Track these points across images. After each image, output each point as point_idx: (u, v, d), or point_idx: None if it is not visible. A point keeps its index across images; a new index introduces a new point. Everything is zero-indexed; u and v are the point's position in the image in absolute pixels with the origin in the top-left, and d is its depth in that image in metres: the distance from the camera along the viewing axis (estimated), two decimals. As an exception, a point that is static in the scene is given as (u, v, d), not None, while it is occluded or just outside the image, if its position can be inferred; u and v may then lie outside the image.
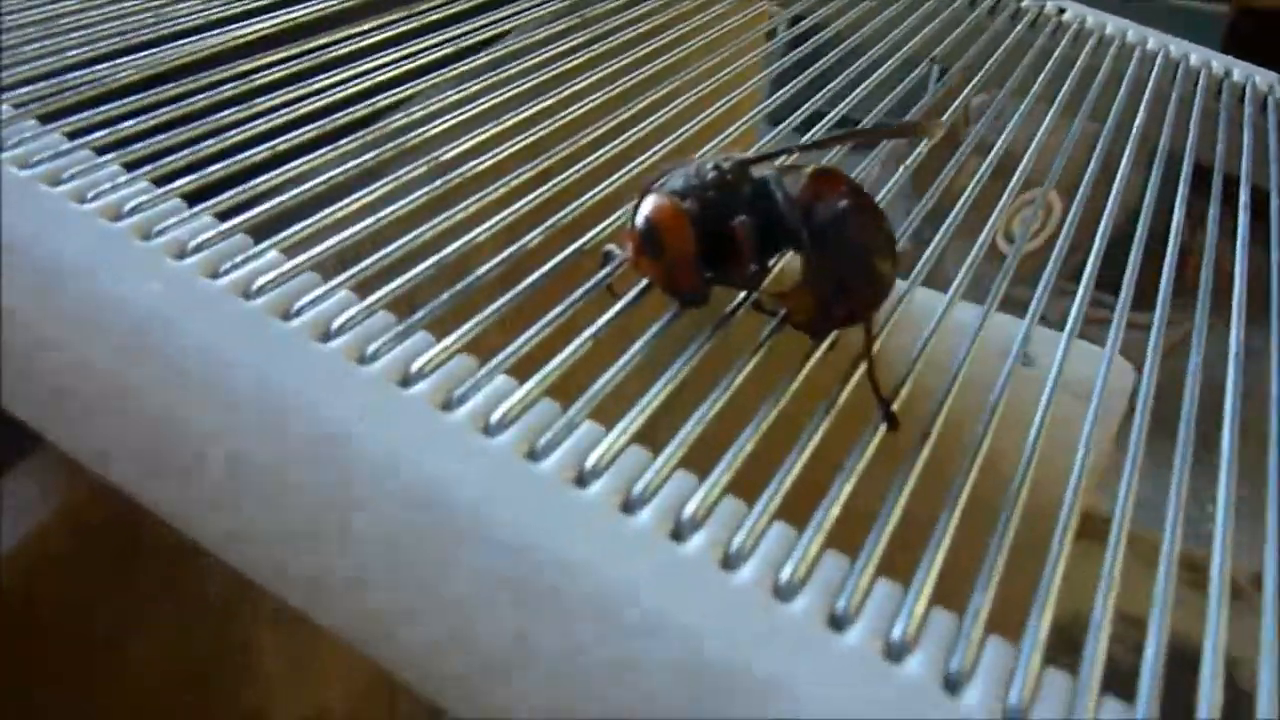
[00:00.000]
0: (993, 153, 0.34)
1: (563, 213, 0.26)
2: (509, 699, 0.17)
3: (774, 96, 0.37)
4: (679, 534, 0.18)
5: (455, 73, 0.32)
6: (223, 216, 0.23)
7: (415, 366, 0.20)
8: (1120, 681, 0.18)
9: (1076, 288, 0.29)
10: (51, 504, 0.23)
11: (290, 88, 0.29)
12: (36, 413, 0.22)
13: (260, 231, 0.23)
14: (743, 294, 0.24)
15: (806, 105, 0.35)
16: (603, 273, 0.24)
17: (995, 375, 0.24)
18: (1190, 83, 0.48)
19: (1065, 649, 0.20)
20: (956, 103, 0.38)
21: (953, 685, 0.16)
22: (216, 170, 0.25)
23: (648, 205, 0.22)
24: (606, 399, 0.20)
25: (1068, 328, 0.27)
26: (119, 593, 0.26)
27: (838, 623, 0.17)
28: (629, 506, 0.18)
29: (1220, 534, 0.21)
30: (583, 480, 0.19)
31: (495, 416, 0.19)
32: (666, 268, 0.22)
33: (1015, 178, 0.33)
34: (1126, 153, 0.38)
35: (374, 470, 0.18)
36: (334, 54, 0.31)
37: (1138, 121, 0.41)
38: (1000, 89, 0.41)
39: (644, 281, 0.24)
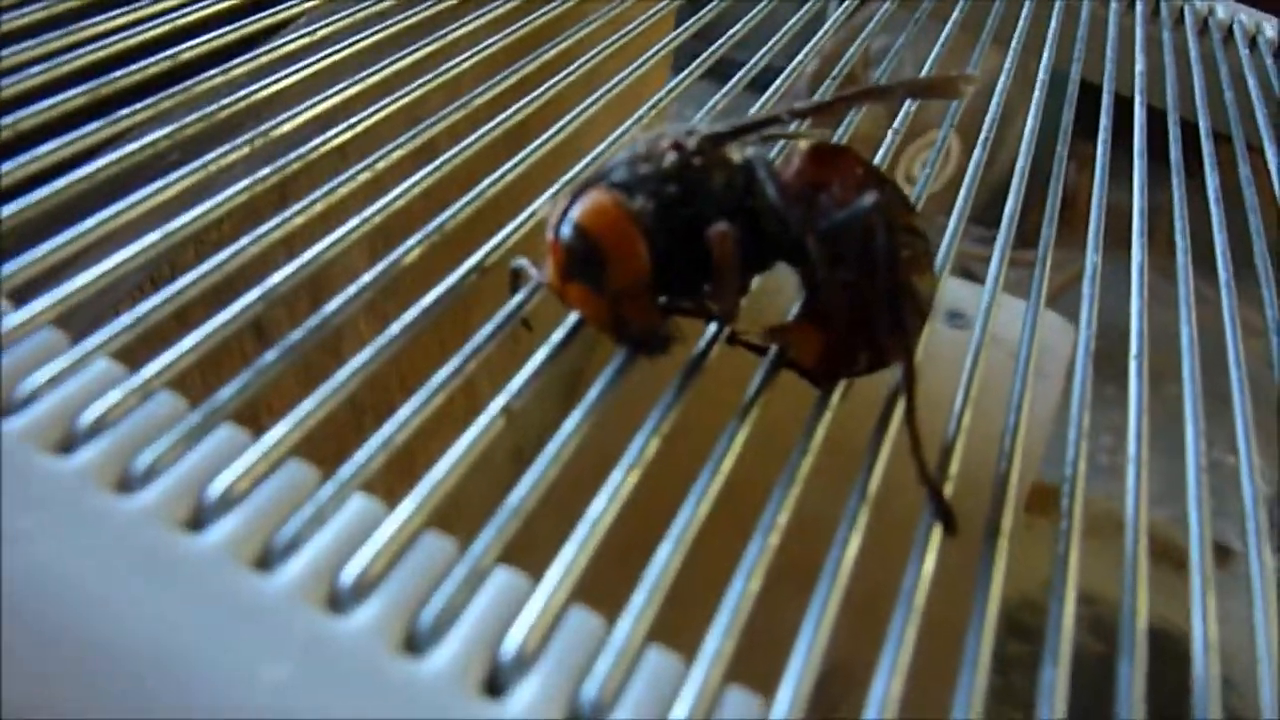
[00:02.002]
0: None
1: (450, 211, 0.18)
2: None
3: (677, 31, 0.29)
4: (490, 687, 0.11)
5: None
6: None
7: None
8: (1080, 668, 0.14)
9: (991, 234, 0.24)
10: None
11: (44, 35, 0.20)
12: None
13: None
14: (712, 328, 0.17)
15: (711, 50, 0.28)
16: (514, 301, 0.17)
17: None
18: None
19: (1017, 635, 0.20)
20: (859, 40, 0.32)
21: None
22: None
23: (581, 207, 0.15)
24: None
25: (989, 279, 0.21)
26: None
27: None
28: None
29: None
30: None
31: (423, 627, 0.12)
32: (610, 299, 0.15)
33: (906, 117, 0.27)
34: (1038, 85, 0.32)
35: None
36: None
37: (1046, 47, 0.35)
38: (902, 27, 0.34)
39: (573, 315, 0.16)
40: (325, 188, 0.18)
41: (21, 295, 0.14)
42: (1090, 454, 0.18)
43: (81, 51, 0.20)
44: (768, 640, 0.13)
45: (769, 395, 0.16)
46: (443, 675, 0.11)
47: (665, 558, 0.13)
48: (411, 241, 0.17)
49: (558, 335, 0.16)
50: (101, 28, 0.21)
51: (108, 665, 0.10)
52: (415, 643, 0.11)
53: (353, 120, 0.20)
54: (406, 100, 0.21)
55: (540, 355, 0.15)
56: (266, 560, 0.12)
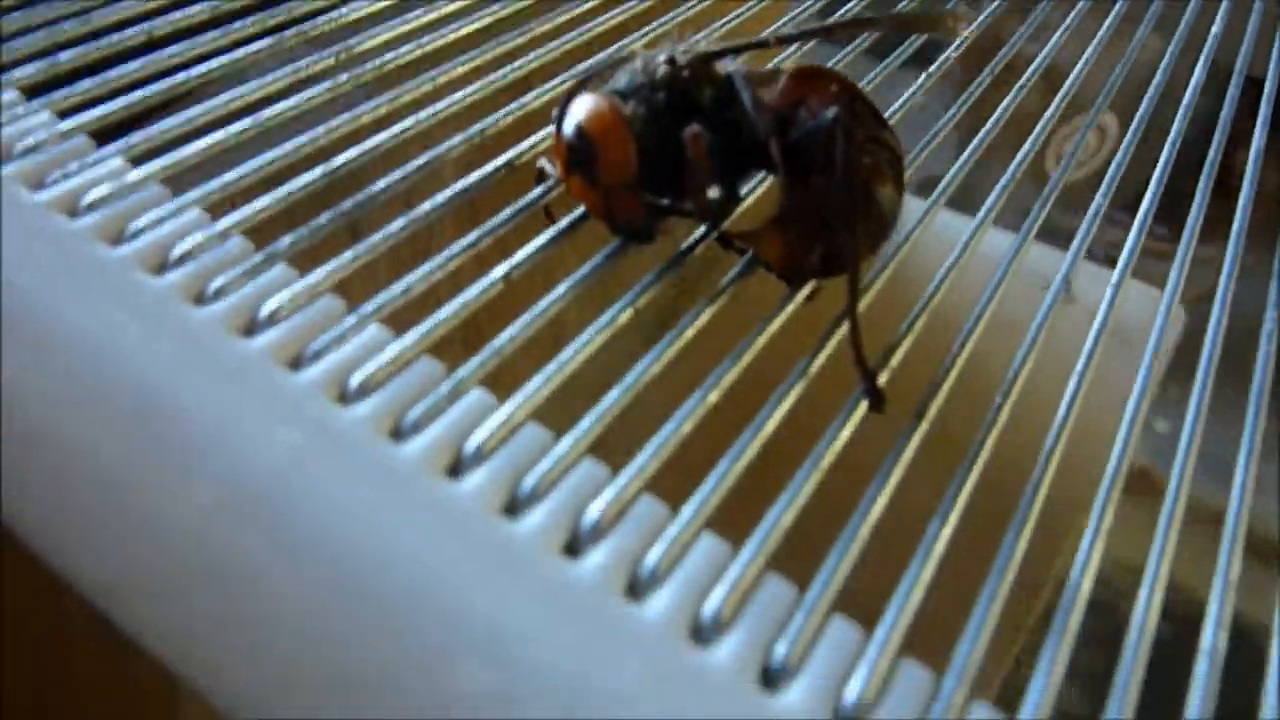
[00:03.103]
0: (1036, 62, 0.29)
1: (493, 117, 0.21)
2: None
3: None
4: (573, 547, 0.14)
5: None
6: (64, 115, 0.19)
7: (266, 310, 0.16)
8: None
9: (1131, 218, 0.25)
10: None
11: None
12: None
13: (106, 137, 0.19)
14: (703, 228, 0.19)
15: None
16: (535, 192, 0.20)
17: (1029, 312, 0.20)
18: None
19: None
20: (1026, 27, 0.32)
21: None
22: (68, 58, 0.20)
23: (579, 108, 0.17)
24: (508, 356, 0.16)
25: (1121, 261, 0.22)
26: None
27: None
28: (512, 507, 0.14)
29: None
30: (457, 469, 0.14)
31: (355, 380, 0.15)
32: (602, 191, 0.17)
33: (1062, 94, 0.28)
34: (1196, 70, 0.32)
35: (189, 450, 0.14)
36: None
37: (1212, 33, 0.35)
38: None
39: (581, 208, 0.19)
40: (387, 95, 0.21)
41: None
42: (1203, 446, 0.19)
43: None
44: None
45: (741, 287, 0.18)
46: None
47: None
48: (456, 139, 0.20)
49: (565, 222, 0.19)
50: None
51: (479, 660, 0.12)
52: (701, 634, 0.13)
53: (417, 43, 0.23)
54: (465, 31, 0.24)
55: (545, 236, 0.18)
56: (636, 589, 0.13)
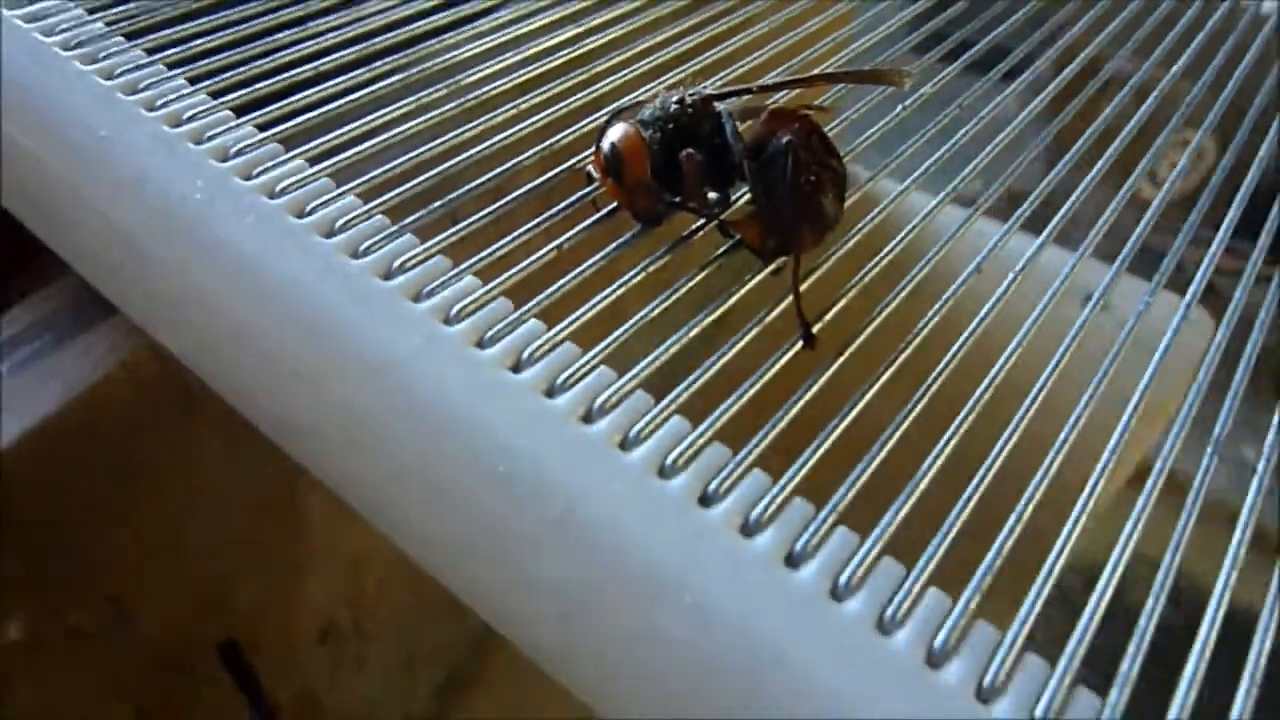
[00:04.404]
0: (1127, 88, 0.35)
1: (558, 136, 0.29)
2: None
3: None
4: (665, 472, 0.21)
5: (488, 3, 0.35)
6: (263, 128, 0.28)
7: (404, 266, 0.24)
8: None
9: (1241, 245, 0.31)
10: (120, 354, 0.28)
11: (340, 13, 0.32)
12: (116, 297, 0.27)
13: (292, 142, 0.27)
14: (701, 220, 0.27)
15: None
16: (585, 190, 0.27)
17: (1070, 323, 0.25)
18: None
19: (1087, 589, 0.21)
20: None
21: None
22: (267, 86, 0.29)
23: (613, 133, 0.25)
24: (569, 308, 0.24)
25: (1157, 276, 0.28)
26: (173, 435, 0.31)
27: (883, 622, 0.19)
28: (626, 444, 0.21)
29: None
30: (591, 417, 0.21)
31: (490, 333, 0.23)
32: (627, 192, 0.25)
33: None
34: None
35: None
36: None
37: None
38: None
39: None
40: (482, 119, 0.29)
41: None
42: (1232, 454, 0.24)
43: (353, 29, 0.32)
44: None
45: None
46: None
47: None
48: (531, 152, 0.28)
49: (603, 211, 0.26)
50: (372, 10, 0.33)
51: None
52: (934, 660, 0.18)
53: (509, 77, 0.31)
54: (548, 67, 0.32)
55: (591, 219, 0.26)
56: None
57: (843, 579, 0.19)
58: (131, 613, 0.34)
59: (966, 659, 0.18)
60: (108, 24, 0.31)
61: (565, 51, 0.33)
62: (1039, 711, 0.18)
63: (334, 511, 0.39)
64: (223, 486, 0.34)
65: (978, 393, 0.23)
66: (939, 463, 0.22)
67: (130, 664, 0.34)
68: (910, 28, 0.39)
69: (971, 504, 0.21)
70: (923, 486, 0.21)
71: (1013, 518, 0.21)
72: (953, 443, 0.22)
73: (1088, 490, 0.21)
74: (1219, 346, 0.27)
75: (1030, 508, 0.21)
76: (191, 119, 0.27)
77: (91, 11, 0.31)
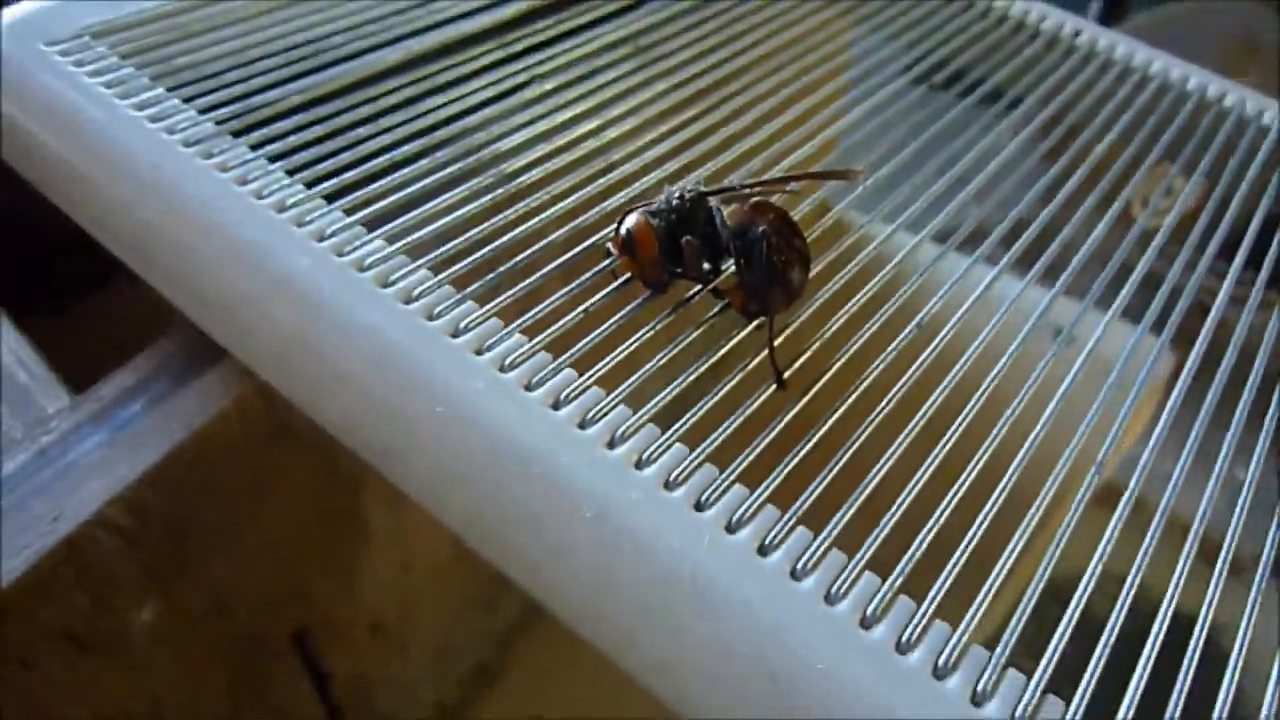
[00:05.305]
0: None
1: (583, 217, 0.36)
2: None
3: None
4: (699, 506, 0.28)
5: (527, 97, 0.42)
6: (349, 212, 0.35)
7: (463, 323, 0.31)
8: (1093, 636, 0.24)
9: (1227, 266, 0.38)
10: (232, 394, 0.36)
11: (408, 109, 0.40)
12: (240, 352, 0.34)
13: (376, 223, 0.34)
14: (698, 287, 0.34)
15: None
16: (605, 263, 0.35)
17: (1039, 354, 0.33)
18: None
19: (1061, 603, 0.26)
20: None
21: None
22: (352, 175, 0.36)
23: (628, 220, 0.32)
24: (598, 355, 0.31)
25: (1114, 306, 0.36)
26: (271, 459, 0.38)
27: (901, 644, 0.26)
28: (640, 464, 0.29)
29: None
30: (614, 444, 0.29)
31: (510, 359, 0.30)
32: (640, 266, 0.32)
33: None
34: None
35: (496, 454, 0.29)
36: (440, 80, 0.42)
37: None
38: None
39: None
40: (524, 202, 0.36)
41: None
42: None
43: (417, 123, 0.39)
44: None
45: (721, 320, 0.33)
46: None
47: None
48: (562, 230, 0.35)
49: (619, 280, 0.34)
50: (428, 105, 0.40)
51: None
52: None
53: (544, 166, 0.38)
54: (578, 155, 0.39)
55: (611, 286, 0.33)
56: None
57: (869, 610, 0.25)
58: (228, 606, 0.41)
59: (965, 672, 0.24)
60: (217, 123, 0.38)
61: (590, 142, 0.40)
62: (1018, 712, 0.24)
63: (391, 520, 0.46)
64: (303, 501, 0.42)
65: (958, 423, 0.30)
66: (923, 484, 0.28)
67: (225, 644, 0.41)
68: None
69: (976, 537, 0.27)
70: (928, 521, 0.28)
71: (1004, 556, 0.28)
72: (945, 471, 0.29)
73: (1067, 518, 0.28)
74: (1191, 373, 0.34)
75: (1027, 533, 0.27)
76: (335, 234, 0.34)
77: (202, 111, 0.39)
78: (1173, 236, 0.41)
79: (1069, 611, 0.25)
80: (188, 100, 0.39)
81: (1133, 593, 0.26)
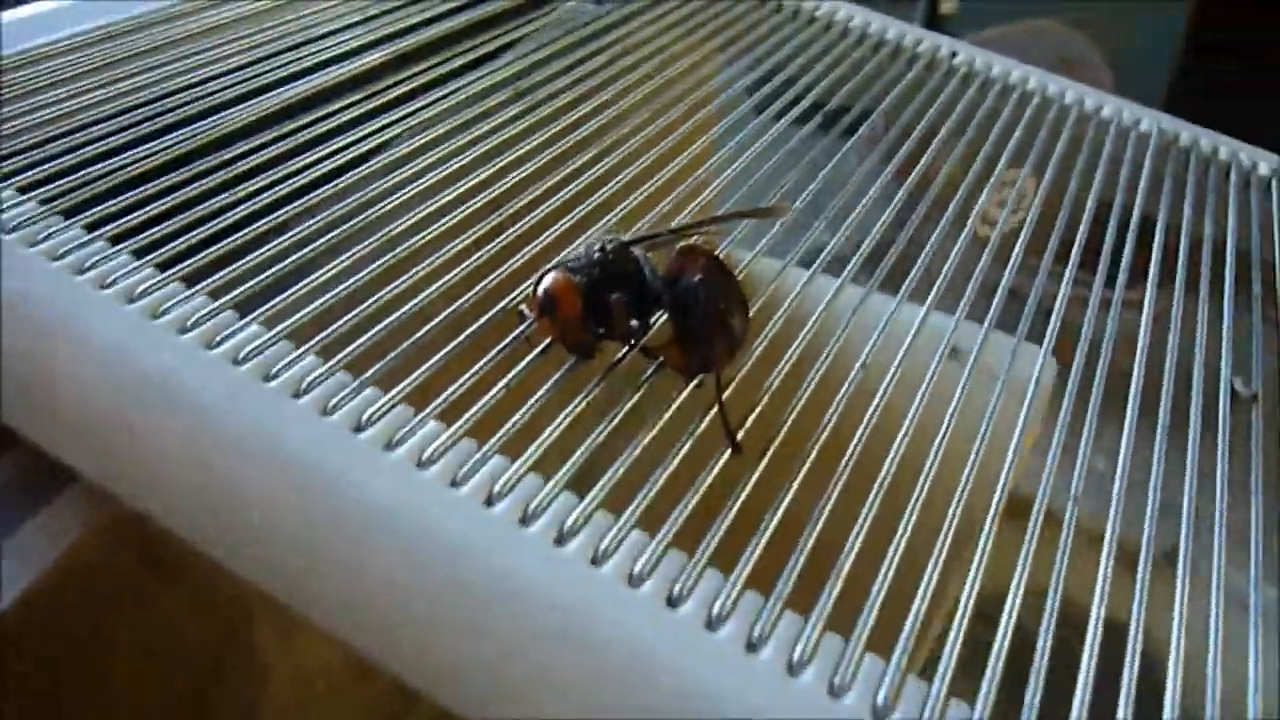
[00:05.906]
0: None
1: (485, 281, 0.32)
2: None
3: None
4: (597, 561, 0.24)
5: (404, 152, 0.38)
6: (214, 295, 0.30)
7: (366, 415, 0.27)
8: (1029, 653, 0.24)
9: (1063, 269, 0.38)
10: (88, 524, 0.30)
11: (269, 172, 0.35)
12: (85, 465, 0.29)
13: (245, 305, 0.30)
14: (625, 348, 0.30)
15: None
16: (519, 329, 0.31)
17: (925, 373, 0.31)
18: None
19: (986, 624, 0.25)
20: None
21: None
22: (210, 252, 0.31)
23: (546, 278, 0.28)
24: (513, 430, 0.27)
25: (987, 319, 0.35)
26: (140, 588, 0.33)
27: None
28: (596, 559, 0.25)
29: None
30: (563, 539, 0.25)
31: (427, 453, 0.26)
32: (560, 327, 0.29)
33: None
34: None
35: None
36: (303, 138, 0.37)
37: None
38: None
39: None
40: (418, 267, 0.32)
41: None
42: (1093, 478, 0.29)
43: (274, 180, 0.35)
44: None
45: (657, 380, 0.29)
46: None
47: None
48: (471, 293, 0.31)
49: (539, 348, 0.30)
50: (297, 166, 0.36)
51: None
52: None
53: (435, 226, 0.34)
54: (467, 213, 0.35)
55: (529, 356, 0.29)
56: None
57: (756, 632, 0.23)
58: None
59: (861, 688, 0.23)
60: (42, 201, 0.32)
61: (482, 195, 0.36)
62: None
63: (283, 631, 0.40)
64: (181, 629, 0.36)
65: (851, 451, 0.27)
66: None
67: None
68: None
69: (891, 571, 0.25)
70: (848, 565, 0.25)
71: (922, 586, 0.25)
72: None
73: (982, 536, 0.26)
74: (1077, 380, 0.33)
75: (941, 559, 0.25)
76: (146, 293, 0.29)
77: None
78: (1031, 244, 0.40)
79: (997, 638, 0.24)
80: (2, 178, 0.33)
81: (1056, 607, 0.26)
